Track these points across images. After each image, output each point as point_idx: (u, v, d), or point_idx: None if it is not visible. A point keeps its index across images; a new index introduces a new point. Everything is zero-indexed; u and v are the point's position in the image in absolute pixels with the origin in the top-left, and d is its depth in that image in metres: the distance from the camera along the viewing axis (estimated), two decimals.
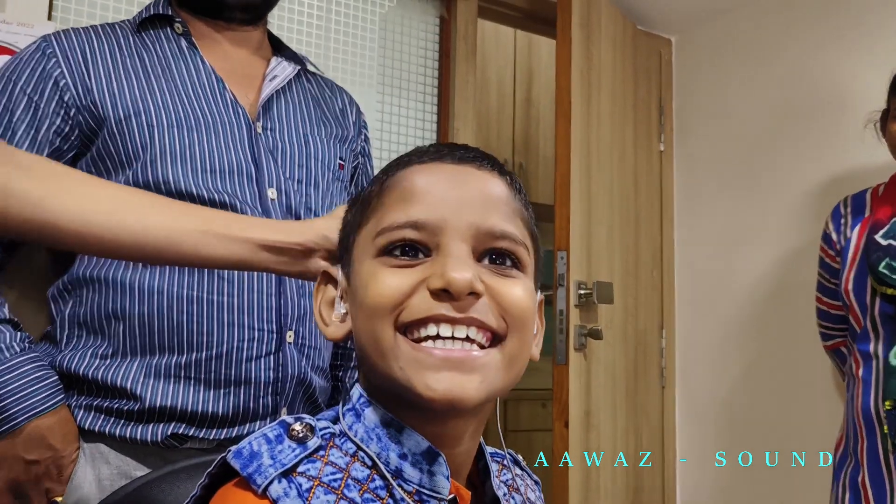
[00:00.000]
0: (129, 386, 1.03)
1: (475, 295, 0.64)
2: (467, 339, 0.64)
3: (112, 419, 1.04)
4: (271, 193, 1.15)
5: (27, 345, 1.03)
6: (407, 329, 0.64)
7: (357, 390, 0.69)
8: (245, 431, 1.07)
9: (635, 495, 2.34)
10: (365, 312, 0.65)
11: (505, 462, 0.76)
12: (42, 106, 1.08)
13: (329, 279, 0.73)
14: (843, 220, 1.80)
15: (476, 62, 2.48)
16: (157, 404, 1.03)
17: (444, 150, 0.71)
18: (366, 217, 0.69)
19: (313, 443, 0.62)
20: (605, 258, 2.29)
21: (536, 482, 0.79)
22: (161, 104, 1.12)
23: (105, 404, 1.04)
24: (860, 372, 1.66)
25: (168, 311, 1.04)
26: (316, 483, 0.60)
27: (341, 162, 1.28)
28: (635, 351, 2.42)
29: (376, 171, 1.27)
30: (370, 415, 0.66)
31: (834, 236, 1.80)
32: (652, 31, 2.79)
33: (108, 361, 1.04)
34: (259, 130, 1.18)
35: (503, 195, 0.69)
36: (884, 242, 1.65)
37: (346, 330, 0.70)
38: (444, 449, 0.65)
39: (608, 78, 2.41)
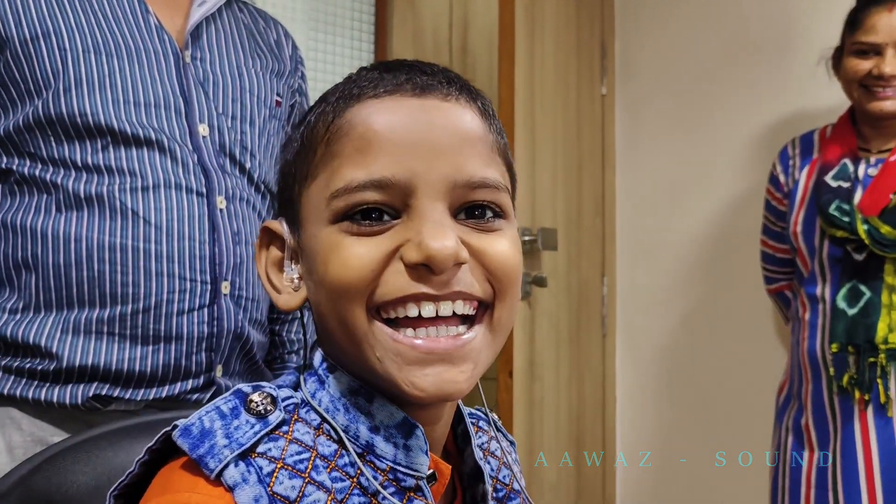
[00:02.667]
0: (43, 343, 0.93)
1: (459, 264, 0.54)
2: (452, 314, 0.55)
3: (24, 381, 0.93)
4: (202, 129, 1.05)
5: None
6: (381, 308, 0.55)
7: (319, 354, 0.60)
8: (176, 391, 0.98)
9: (578, 443, 2.34)
10: (328, 291, 0.55)
11: (480, 424, 0.69)
12: None
13: (272, 236, 0.62)
14: (791, 162, 1.78)
15: (414, 6, 2.38)
16: (77, 363, 0.93)
17: (400, 75, 0.58)
18: (313, 166, 0.58)
19: (275, 417, 0.54)
20: (549, 204, 2.25)
21: (511, 443, 0.72)
22: (74, 25, 1.00)
23: (15, 364, 0.94)
24: (806, 315, 1.65)
25: (87, 261, 0.94)
26: (279, 465, 0.52)
27: (278, 98, 1.19)
28: (578, 299, 2.39)
29: None
30: (335, 382, 0.58)
31: (781, 178, 1.78)
32: None
33: (18, 316, 0.94)
34: (188, 60, 1.08)
35: (478, 130, 0.58)
36: (833, 184, 1.64)
37: (301, 298, 0.60)
38: (421, 421, 0.58)
39: (552, 19, 2.35)
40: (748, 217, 2.11)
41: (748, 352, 2.21)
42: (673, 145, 2.50)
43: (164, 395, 0.97)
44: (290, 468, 0.52)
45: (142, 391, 0.97)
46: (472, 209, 0.57)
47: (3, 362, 0.94)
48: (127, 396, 0.96)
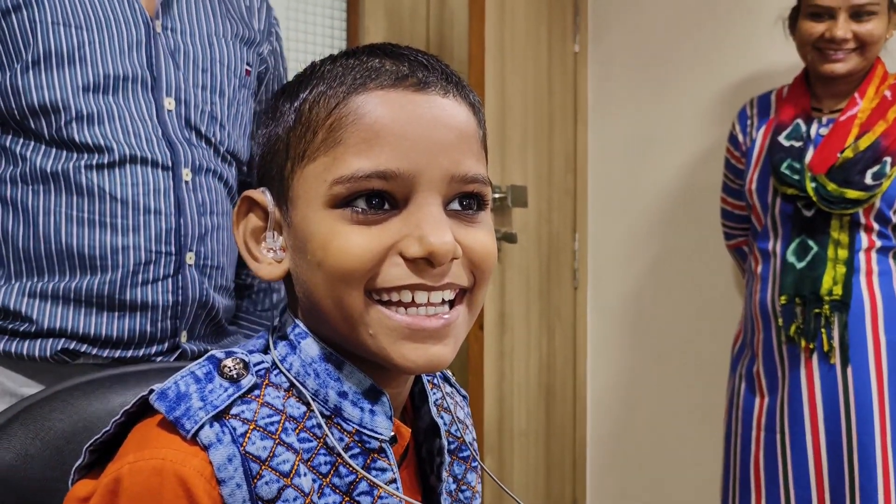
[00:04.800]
0: (15, 307, 0.98)
1: (453, 259, 0.60)
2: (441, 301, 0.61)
3: None
4: (168, 103, 1.07)
5: None
6: (376, 291, 0.60)
7: (293, 321, 0.64)
8: (141, 354, 1.03)
9: (548, 392, 2.42)
10: (327, 274, 0.59)
11: (435, 380, 0.74)
12: None
13: (252, 204, 0.64)
14: (749, 122, 1.83)
15: None
16: (47, 325, 0.99)
17: (402, 66, 0.61)
18: (313, 148, 0.60)
19: (247, 381, 0.58)
20: (519, 161, 2.29)
21: (464, 396, 0.77)
22: None
23: None
24: (759, 269, 1.73)
25: (55, 234, 0.99)
26: (251, 427, 0.56)
27: (248, 68, 1.20)
28: (548, 254, 2.45)
29: (290, 73, 1.19)
30: (307, 349, 0.62)
31: (740, 137, 1.84)
32: None
33: None
34: (158, 30, 1.09)
35: (472, 127, 0.63)
36: (786, 143, 1.69)
37: (283, 269, 0.63)
38: (387, 388, 0.63)
39: None
40: (712, 172, 2.17)
41: (710, 303, 2.29)
42: (642, 103, 2.54)
43: (129, 355, 1.02)
44: (261, 430, 0.56)
45: (108, 350, 1.01)
46: (461, 200, 0.61)
47: None
48: (94, 353, 1.01)
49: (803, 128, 1.69)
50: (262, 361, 0.61)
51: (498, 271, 2.16)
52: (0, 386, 1.00)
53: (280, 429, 0.57)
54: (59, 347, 0.99)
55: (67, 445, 0.72)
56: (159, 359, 1.05)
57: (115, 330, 1.01)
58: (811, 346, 1.60)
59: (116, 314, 1.01)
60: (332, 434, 0.59)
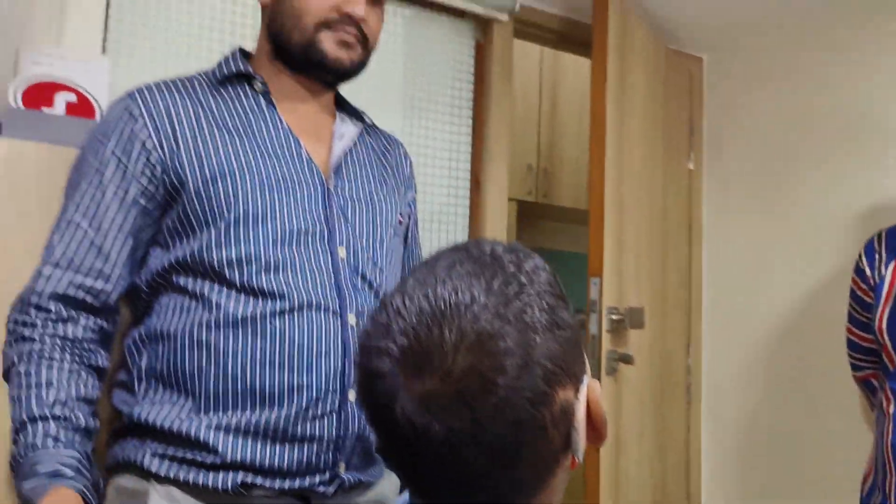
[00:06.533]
0: (205, 439, 1.09)
1: None
2: None
3: (185, 467, 1.10)
4: (341, 252, 1.20)
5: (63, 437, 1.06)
6: None
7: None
8: (307, 484, 1.13)
9: None
10: None
11: None
12: (130, 167, 1.14)
13: None
14: (877, 256, 1.81)
15: (511, 82, 2.52)
16: (229, 457, 1.09)
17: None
18: None
19: None
20: (635, 282, 2.34)
21: None
22: (245, 165, 1.16)
23: (180, 454, 1.10)
24: (891, 409, 1.69)
25: (242, 374, 1.10)
26: None
27: (400, 217, 1.34)
28: (661, 369, 2.47)
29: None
30: None
31: (867, 271, 1.81)
32: (683, 49, 2.82)
33: (183, 415, 1.10)
34: (331, 188, 1.23)
35: None
36: None
37: None
38: None
39: (640, 100, 2.45)
40: (832, 296, 2.16)
41: (832, 429, 2.24)
42: (759, 221, 2.56)
43: (296, 486, 1.12)
44: None
45: (278, 481, 1.11)
46: None
47: (170, 452, 1.10)
48: (268, 485, 1.11)
49: None
50: None
51: (614, 393, 2.19)
52: None
53: None
54: (239, 481, 1.09)
55: None
56: (321, 488, 1.14)
57: (286, 461, 1.11)
58: None
59: (288, 446, 1.11)
60: None
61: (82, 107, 1.84)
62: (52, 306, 1.11)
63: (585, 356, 0.73)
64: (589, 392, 0.71)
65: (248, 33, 2.18)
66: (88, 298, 1.13)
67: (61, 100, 1.83)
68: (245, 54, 1.32)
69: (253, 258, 1.13)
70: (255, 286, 1.13)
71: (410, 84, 2.40)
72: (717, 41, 2.77)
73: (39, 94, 1.79)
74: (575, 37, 2.65)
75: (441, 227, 2.42)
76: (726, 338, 2.60)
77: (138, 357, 1.16)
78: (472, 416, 0.63)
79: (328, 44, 1.22)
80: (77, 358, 1.11)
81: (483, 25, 2.52)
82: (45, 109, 1.77)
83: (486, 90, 2.48)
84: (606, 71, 2.24)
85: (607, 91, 2.24)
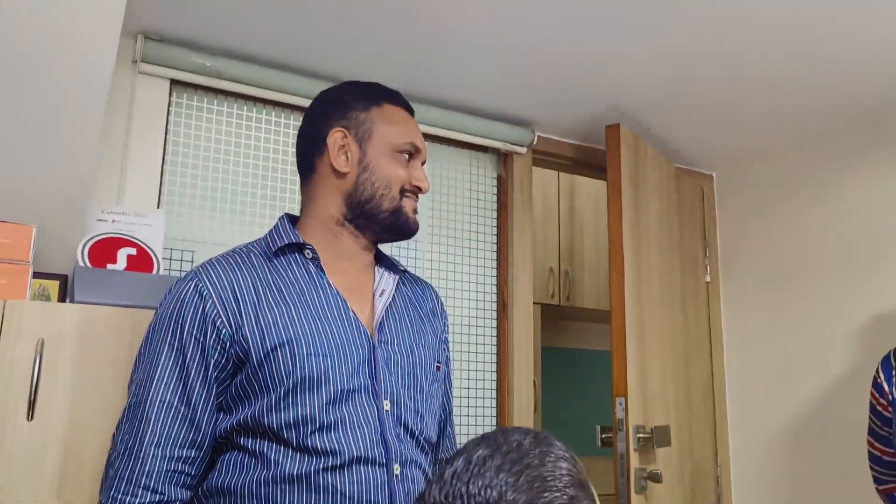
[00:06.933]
0: None
1: None
2: None
3: None
4: (386, 405, 1.29)
5: None
6: None
7: None
8: None
9: None
10: None
11: None
12: (208, 346, 1.24)
13: None
14: (894, 372, 1.88)
15: (532, 209, 2.68)
16: None
17: None
18: None
19: None
20: (660, 399, 2.42)
21: None
22: (301, 334, 1.26)
23: None
24: None
25: None
26: None
27: (438, 364, 1.43)
28: (691, 481, 2.51)
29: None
30: None
31: (885, 387, 1.88)
32: (693, 168, 2.97)
33: None
34: (376, 344, 1.32)
35: None
36: None
37: None
38: None
39: (655, 222, 2.58)
40: (852, 406, 2.23)
41: None
42: (774, 331, 2.66)
43: None
44: None
45: None
46: None
47: None
48: None
49: None
50: None
51: None
52: None
53: None
54: None
55: None
56: None
57: None
58: None
59: None
60: None
61: (141, 259, 1.99)
62: (162, 488, 1.20)
63: None
64: None
65: (287, 188, 2.37)
66: (189, 469, 1.23)
67: (123, 255, 1.99)
68: (291, 219, 1.43)
69: (308, 420, 1.23)
70: (310, 445, 1.23)
71: (437, 215, 2.57)
72: (726, 159, 2.92)
73: (104, 251, 1.95)
74: (589, 162, 2.81)
75: (472, 344, 2.54)
76: (752, 447, 2.66)
77: None
78: None
79: (409, 210, 1.37)
80: None
81: (503, 158, 2.70)
82: (109, 266, 1.93)
83: (508, 216, 2.64)
84: (622, 199, 2.38)
85: (623, 218, 2.37)
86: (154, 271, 1.98)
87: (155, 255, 2.02)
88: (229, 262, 1.32)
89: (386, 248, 1.64)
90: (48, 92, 1.57)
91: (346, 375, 1.27)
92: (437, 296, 1.58)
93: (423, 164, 1.43)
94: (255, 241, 1.41)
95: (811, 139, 2.66)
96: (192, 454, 1.24)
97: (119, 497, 1.20)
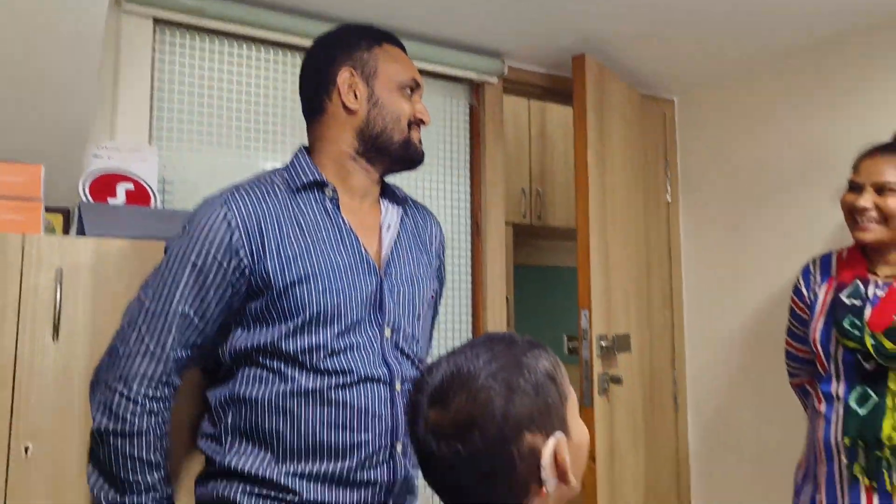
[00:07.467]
0: (287, 483, 1.35)
1: None
2: None
3: (270, 502, 1.37)
4: (387, 332, 1.39)
5: None
6: None
7: None
8: None
9: None
10: None
11: None
12: (229, 272, 1.34)
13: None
14: (812, 278, 2.09)
15: (503, 136, 2.82)
16: (304, 498, 1.35)
17: None
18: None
19: None
20: (622, 309, 2.61)
21: None
22: (319, 271, 1.34)
23: (265, 492, 1.36)
24: (822, 408, 1.94)
25: (313, 434, 1.36)
26: None
27: (433, 293, 1.56)
28: (650, 384, 2.74)
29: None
30: None
31: (804, 291, 2.09)
32: (656, 94, 3.11)
33: (265, 464, 1.36)
34: (383, 276, 1.40)
35: None
36: (847, 302, 1.94)
37: None
38: None
39: (619, 147, 2.72)
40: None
41: (793, 422, 2.50)
42: (729, 245, 2.85)
43: None
44: None
45: None
46: None
47: (257, 490, 1.36)
48: None
49: (861, 288, 1.93)
50: None
51: (607, 409, 2.48)
52: None
53: None
54: None
55: None
56: None
57: (349, 501, 1.37)
58: (874, 485, 1.81)
59: (350, 490, 1.37)
60: None
61: (139, 193, 2.11)
62: (174, 379, 1.36)
63: (567, 420, 0.98)
64: (556, 444, 0.96)
65: (280, 119, 2.48)
66: (191, 358, 1.37)
67: (122, 189, 2.10)
68: (306, 151, 1.46)
69: (321, 346, 1.37)
70: (322, 368, 1.37)
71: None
72: (686, 85, 3.05)
73: (104, 186, 2.06)
74: (559, 90, 2.94)
75: (448, 264, 2.71)
76: (706, 351, 2.88)
77: (224, 415, 1.41)
78: (461, 442, 0.93)
79: (416, 141, 1.47)
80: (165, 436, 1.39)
81: (476, 88, 2.83)
82: (110, 200, 2.05)
83: (480, 143, 2.78)
84: (587, 126, 2.53)
85: (588, 143, 2.51)
86: (151, 205, 2.10)
87: (151, 189, 2.12)
88: (256, 194, 1.38)
89: None
90: (46, 32, 1.64)
91: (356, 309, 1.39)
92: (437, 225, 1.66)
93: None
94: (277, 170, 1.47)
95: (768, 64, 2.80)
96: (197, 353, 1.39)
97: (143, 391, 1.33)
